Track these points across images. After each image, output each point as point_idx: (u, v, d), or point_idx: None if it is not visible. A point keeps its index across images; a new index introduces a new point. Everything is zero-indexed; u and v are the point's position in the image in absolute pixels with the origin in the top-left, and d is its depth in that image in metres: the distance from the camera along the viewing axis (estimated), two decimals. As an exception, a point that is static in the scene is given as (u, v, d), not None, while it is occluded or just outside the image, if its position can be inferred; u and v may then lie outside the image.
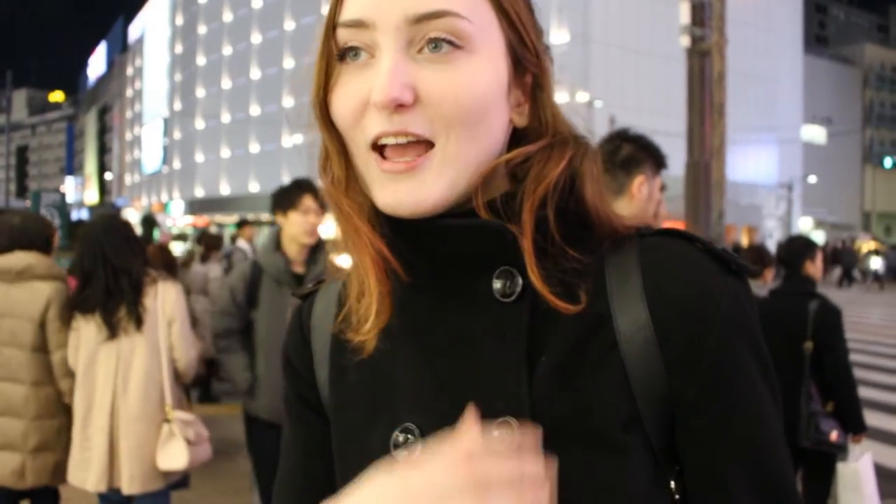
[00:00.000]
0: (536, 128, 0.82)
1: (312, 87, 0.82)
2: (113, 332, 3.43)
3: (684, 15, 6.54)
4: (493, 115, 0.77)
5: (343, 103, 0.78)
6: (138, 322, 3.45)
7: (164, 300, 3.54)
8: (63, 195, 9.74)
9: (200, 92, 65.44)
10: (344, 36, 0.78)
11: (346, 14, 0.77)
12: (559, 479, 0.68)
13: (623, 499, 0.74)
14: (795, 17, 53.14)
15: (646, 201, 2.58)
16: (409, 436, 0.79)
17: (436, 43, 0.74)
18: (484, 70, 0.76)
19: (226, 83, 61.88)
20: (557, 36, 37.97)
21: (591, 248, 0.80)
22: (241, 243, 8.70)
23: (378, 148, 0.76)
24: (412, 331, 0.82)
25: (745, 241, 36.62)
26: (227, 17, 62.71)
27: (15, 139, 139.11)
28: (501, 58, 0.78)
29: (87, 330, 3.46)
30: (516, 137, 0.82)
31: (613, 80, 37.61)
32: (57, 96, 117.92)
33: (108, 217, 3.78)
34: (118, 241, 3.50)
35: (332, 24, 0.79)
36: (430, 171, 0.75)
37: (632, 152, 2.58)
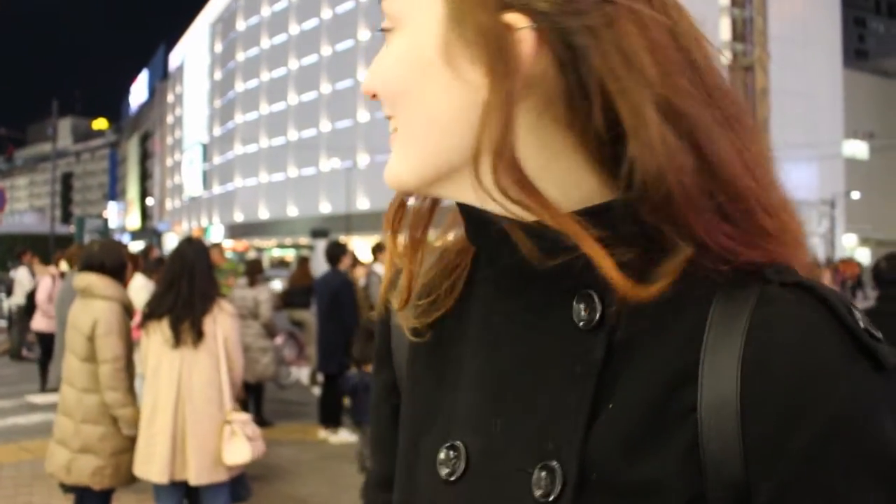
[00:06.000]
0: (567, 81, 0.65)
1: None
2: (177, 340, 3.87)
3: (725, 31, 6.48)
4: (420, 91, 0.68)
5: None
6: (199, 336, 3.88)
7: (221, 320, 3.98)
8: (106, 220, 9.95)
9: (239, 117, 66.47)
10: None
11: None
12: None
13: None
14: (834, 30, 52.59)
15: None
16: (453, 453, 0.72)
17: (383, 30, 0.72)
18: (399, 45, 0.69)
19: (264, 108, 62.81)
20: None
21: (697, 277, 0.64)
22: (378, 267, 8.69)
23: None
24: (485, 342, 0.74)
25: (787, 259, 35.92)
26: (265, 43, 63.74)
27: (60, 166, 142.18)
28: (431, 27, 0.67)
29: (155, 338, 3.93)
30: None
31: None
32: (100, 124, 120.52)
33: (199, 243, 4.25)
34: (205, 265, 4.00)
35: None
36: (395, 146, 0.72)
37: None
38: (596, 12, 0.62)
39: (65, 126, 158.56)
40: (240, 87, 67.60)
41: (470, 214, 0.72)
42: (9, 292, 14.81)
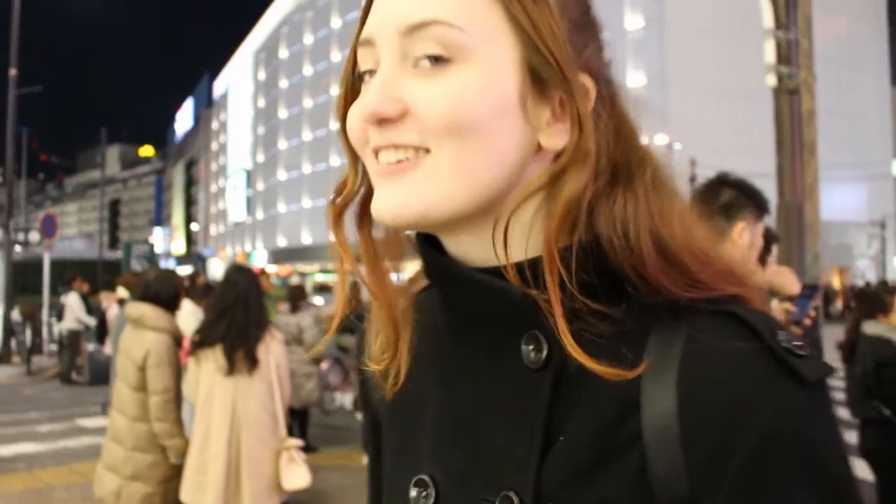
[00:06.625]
0: (574, 152, 0.72)
1: (338, 110, 0.79)
2: (231, 368, 3.89)
3: (769, 54, 6.41)
4: (495, 129, 0.70)
5: (349, 121, 0.75)
6: (252, 363, 3.91)
7: (273, 347, 4.04)
8: (152, 246, 10.13)
9: (282, 144, 67.29)
10: (360, 57, 0.76)
11: (362, 35, 0.75)
12: None
13: None
14: (881, 50, 51.73)
15: (748, 248, 2.50)
16: (423, 486, 0.77)
17: (428, 58, 0.70)
18: (476, 80, 0.70)
19: (307, 135, 63.50)
20: (634, 78, 37.86)
21: (639, 313, 0.70)
22: None
23: (377, 158, 0.73)
24: (445, 381, 0.79)
25: (836, 283, 35.37)
26: (308, 71, 64.59)
27: (108, 193, 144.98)
28: (507, 68, 0.70)
29: (206, 366, 3.95)
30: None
31: (693, 121, 37.16)
32: (147, 151, 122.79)
33: (250, 271, 4.34)
34: (257, 293, 4.04)
35: (354, 48, 0.77)
36: (416, 174, 0.70)
37: (732, 197, 2.51)
38: (578, 91, 0.71)
39: (113, 154, 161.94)
40: (283, 113, 68.49)
41: (435, 260, 0.76)
42: (59, 317, 15.09)
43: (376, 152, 0.72)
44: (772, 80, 6.38)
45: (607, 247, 0.70)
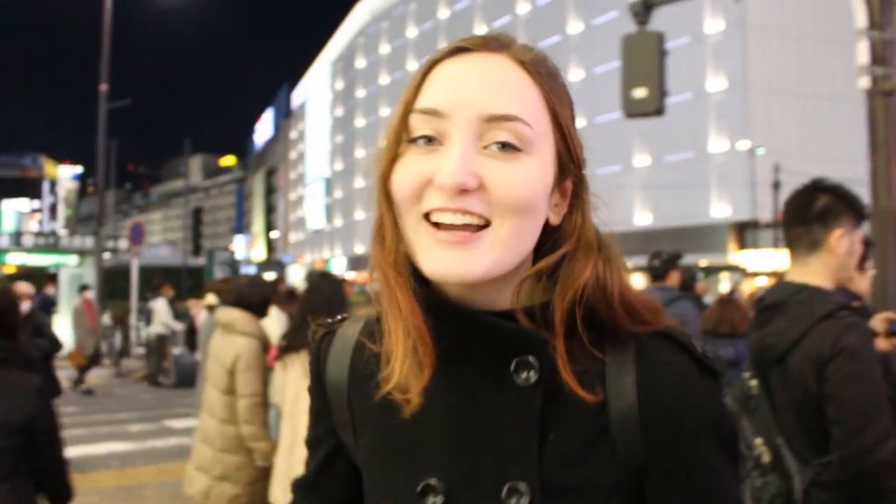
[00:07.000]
0: (566, 227, 0.95)
1: (382, 163, 0.93)
2: None
3: (863, 54, 6.18)
4: (539, 210, 0.90)
5: (405, 178, 0.89)
6: None
7: None
8: (233, 253, 10.35)
9: (360, 152, 68.13)
10: (417, 121, 0.89)
11: (424, 102, 0.90)
12: None
13: None
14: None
15: (846, 256, 2.43)
16: (432, 488, 0.92)
17: (502, 144, 0.86)
18: (538, 170, 0.89)
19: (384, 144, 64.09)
20: (714, 84, 37.05)
21: (608, 346, 0.94)
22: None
23: (430, 221, 0.88)
24: (439, 395, 0.93)
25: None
26: (384, 80, 65.32)
27: (191, 201, 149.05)
28: (551, 162, 0.92)
29: (292, 370, 3.96)
30: (546, 232, 0.94)
31: (776, 125, 36.20)
32: (228, 160, 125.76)
33: (333, 277, 4.38)
34: (341, 299, 4.10)
35: (408, 110, 0.90)
36: (481, 246, 0.86)
37: (829, 203, 2.43)
38: (582, 187, 0.97)
39: (195, 163, 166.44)
40: (360, 122, 69.39)
41: (444, 303, 0.93)
42: (148, 321, 15.59)
43: (431, 212, 0.87)
44: (865, 82, 6.14)
45: (591, 300, 0.93)
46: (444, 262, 0.87)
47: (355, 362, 1.03)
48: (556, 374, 0.91)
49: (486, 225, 0.87)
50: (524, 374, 0.91)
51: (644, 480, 0.92)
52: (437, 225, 0.87)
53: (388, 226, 0.94)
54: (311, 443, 1.13)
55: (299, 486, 1.19)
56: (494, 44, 0.92)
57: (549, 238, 0.95)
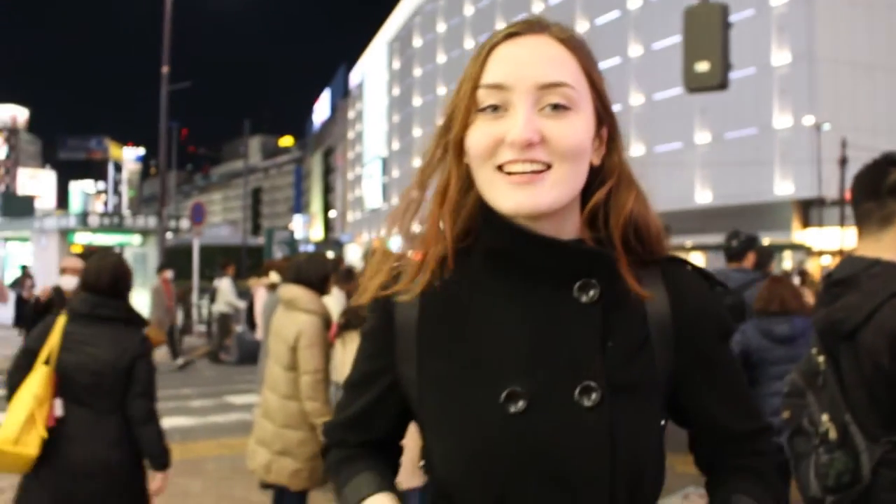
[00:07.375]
0: (608, 166, 1.18)
1: (455, 129, 1.15)
2: None
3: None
4: (586, 153, 1.13)
5: (482, 139, 1.11)
6: None
7: None
8: (292, 232, 10.43)
9: (417, 131, 68.17)
10: (484, 95, 1.11)
11: (489, 79, 1.11)
12: (624, 421, 1.09)
13: (655, 430, 1.15)
14: None
15: (922, 231, 2.34)
16: (515, 395, 1.09)
17: (554, 105, 1.09)
18: (584, 123, 1.12)
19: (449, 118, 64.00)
20: (778, 57, 36.05)
21: (640, 268, 1.19)
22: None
23: (502, 172, 1.10)
24: (512, 316, 1.14)
25: None
26: (441, 59, 65.13)
27: (251, 182, 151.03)
28: (591, 115, 1.14)
29: (352, 347, 3.98)
30: (590, 174, 1.16)
31: (843, 99, 35.11)
32: (286, 141, 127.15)
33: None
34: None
35: (475, 86, 1.12)
36: (546, 184, 1.08)
37: (902, 177, 2.35)
38: (615, 132, 1.20)
39: (254, 144, 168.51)
40: (417, 101, 69.44)
41: (520, 230, 1.12)
42: (212, 300, 15.88)
43: (504, 164, 1.09)
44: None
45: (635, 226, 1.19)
46: (518, 199, 1.08)
47: (425, 296, 1.19)
48: (611, 292, 1.14)
49: (547, 169, 1.08)
50: (589, 293, 1.13)
51: (677, 376, 1.18)
52: (509, 174, 1.08)
53: (455, 182, 1.17)
54: (362, 380, 1.26)
55: (336, 425, 1.31)
56: (538, 27, 1.14)
57: (595, 178, 1.17)
